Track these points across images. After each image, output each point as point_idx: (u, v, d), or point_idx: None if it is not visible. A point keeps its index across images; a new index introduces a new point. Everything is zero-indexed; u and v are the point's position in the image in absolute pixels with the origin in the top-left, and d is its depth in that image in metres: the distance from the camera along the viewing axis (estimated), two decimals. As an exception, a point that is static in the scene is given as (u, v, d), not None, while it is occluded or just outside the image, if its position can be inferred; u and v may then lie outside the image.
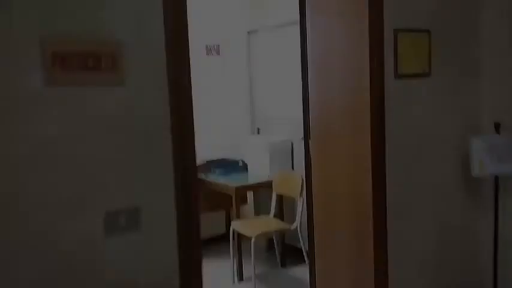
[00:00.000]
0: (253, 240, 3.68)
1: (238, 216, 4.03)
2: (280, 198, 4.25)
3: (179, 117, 1.82)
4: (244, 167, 4.59)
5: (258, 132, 4.84)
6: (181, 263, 1.89)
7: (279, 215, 4.25)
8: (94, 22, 1.68)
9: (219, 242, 4.69)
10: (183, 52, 1.83)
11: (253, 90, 4.89)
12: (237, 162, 4.63)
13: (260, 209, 4.73)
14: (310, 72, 2.91)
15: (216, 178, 4.35)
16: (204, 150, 4.27)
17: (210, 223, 4.66)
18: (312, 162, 2.99)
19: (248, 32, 4.78)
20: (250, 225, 3.97)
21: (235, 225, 3.93)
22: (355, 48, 2.59)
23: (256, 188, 4.41)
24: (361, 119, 2.58)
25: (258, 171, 4.37)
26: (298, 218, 3.86)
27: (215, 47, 4.71)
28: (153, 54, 1.79)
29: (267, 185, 4.21)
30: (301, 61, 2.93)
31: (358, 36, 2.55)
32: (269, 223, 4.08)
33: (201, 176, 4.40)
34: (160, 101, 1.81)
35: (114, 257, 1.75)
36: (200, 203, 1.92)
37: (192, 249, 1.92)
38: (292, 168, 4.37)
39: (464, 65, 2.90)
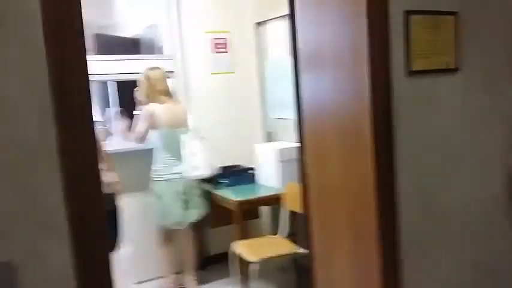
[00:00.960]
0: (255, 266, 3.14)
1: (242, 235, 3.49)
2: (294, 214, 3.67)
3: (70, 139, 1.31)
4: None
5: (270, 137, 4.27)
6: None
7: (294, 234, 3.67)
8: None
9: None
10: (72, 38, 1.30)
11: (265, 88, 4.31)
12: (248, 170, 4.08)
13: (277, 225, 4.16)
14: (303, 70, 2.33)
15: (222, 190, 3.83)
16: (217, 156, 3.79)
17: (220, 239, 4.15)
18: (308, 180, 2.41)
19: (256, 24, 4.20)
20: (254, 247, 3.42)
21: (236, 246, 3.40)
22: (349, 38, 1.99)
23: (264, 202, 3.84)
24: (361, 129, 1.98)
25: (268, 182, 3.81)
26: (310, 240, 3.27)
27: (222, 41, 4.19)
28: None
29: (278, 199, 3.64)
30: (292, 57, 2.35)
31: (353, 21, 1.94)
32: (278, 245, 3.51)
33: (208, 187, 3.91)
34: (42, 115, 1.31)
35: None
36: (108, 246, 1.42)
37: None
38: (308, 179, 3.76)
39: (507, 56, 2.21)
